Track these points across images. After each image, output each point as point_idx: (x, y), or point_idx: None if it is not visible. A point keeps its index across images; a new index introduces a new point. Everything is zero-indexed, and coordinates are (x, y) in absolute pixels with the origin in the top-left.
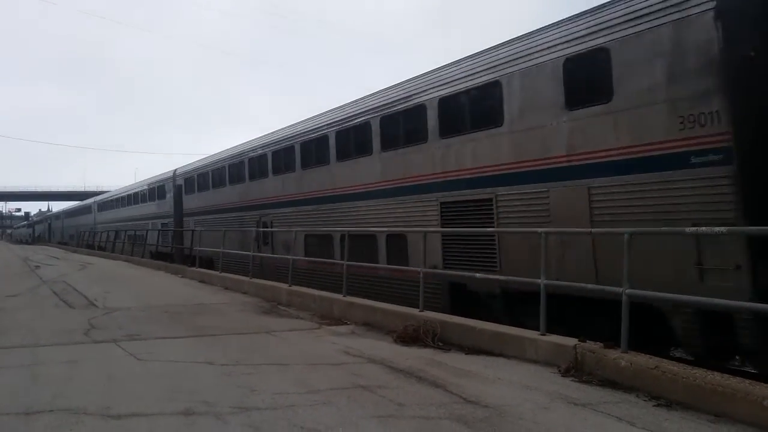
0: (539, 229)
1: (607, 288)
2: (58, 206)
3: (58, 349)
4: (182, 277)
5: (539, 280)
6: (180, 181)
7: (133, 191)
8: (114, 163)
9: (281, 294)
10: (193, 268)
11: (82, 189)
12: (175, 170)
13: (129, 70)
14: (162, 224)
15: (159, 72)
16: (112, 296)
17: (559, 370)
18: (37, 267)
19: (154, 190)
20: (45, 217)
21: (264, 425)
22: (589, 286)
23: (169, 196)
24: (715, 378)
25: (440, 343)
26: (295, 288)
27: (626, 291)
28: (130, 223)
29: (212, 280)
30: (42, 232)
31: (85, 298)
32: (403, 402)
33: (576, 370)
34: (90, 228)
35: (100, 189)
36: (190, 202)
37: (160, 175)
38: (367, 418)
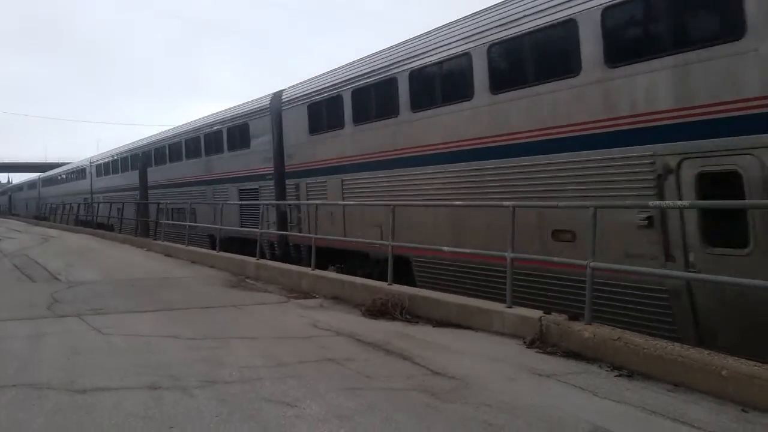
0: (507, 203)
1: (573, 261)
2: (18, 178)
3: (20, 323)
4: (147, 250)
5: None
6: (291, 111)
7: (174, 139)
8: (76, 134)
9: (249, 268)
10: (158, 242)
11: (44, 161)
12: (280, 92)
13: (91, 38)
14: (242, 191)
15: (122, 41)
16: (76, 270)
17: (525, 342)
18: None
19: (221, 134)
20: (7, 189)
21: (231, 398)
22: (555, 259)
23: (262, 140)
24: (675, 349)
25: (408, 317)
26: (262, 261)
27: (590, 264)
28: (160, 191)
29: (178, 253)
30: (2, 205)
31: (47, 272)
32: (371, 374)
33: (541, 341)
34: (83, 199)
35: (62, 161)
36: (319, 148)
37: (237, 107)
38: (335, 391)
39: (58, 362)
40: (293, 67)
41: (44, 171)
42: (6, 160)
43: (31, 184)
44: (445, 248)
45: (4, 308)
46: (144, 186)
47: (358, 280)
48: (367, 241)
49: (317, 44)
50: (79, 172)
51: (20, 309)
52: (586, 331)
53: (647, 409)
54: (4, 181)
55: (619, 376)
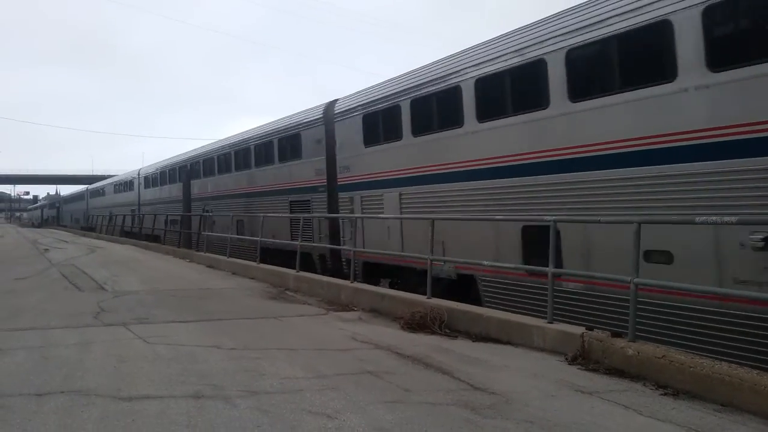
0: (549, 216)
1: (616, 276)
2: (66, 190)
3: (68, 331)
4: (190, 261)
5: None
6: (345, 122)
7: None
8: (121, 147)
9: (288, 280)
10: (201, 253)
11: (90, 173)
12: (333, 103)
13: (137, 55)
14: (292, 202)
15: (167, 57)
16: (121, 280)
17: (566, 359)
18: (46, 250)
19: (272, 146)
20: (58, 199)
21: (272, 409)
22: (597, 274)
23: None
24: (722, 368)
25: (447, 331)
26: (302, 274)
27: (634, 280)
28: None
29: (220, 265)
30: (50, 216)
31: (94, 282)
32: (410, 388)
33: (583, 358)
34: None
35: (108, 173)
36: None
37: (288, 117)
38: (375, 403)
39: (104, 370)
40: (334, 84)
41: (91, 183)
42: (55, 173)
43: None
44: (485, 263)
45: (54, 316)
46: (187, 198)
47: (397, 293)
48: (406, 254)
49: (357, 58)
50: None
51: (68, 317)
52: (629, 348)
53: (693, 429)
54: (53, 192)
55: (664, 394)
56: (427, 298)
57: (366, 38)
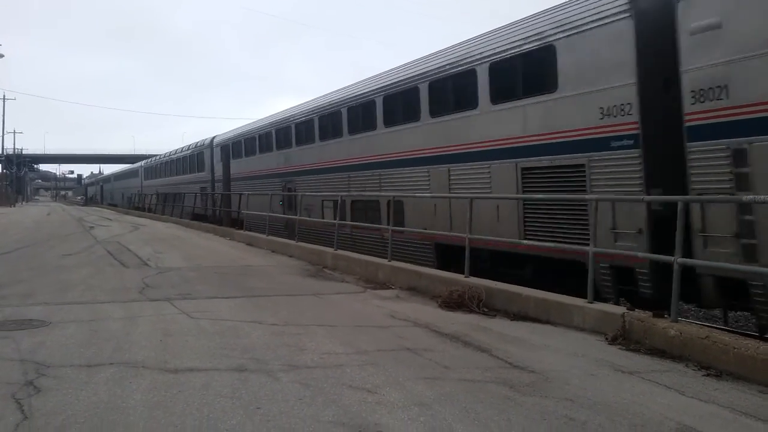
0: (588, 196)
1: (659, 256)
2: (108, 169)
3: (115, 306)
4: (230, 239)
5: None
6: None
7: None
8: (161, 127)
9: (327, 258)
10: (241, 231)
11: (132, 152)
12: None
13: (179, 37)
14: None
15: (206, 38)
16: (164, 257)
17: (606, 338)
18: (91, 228)
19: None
20: (99, 178)
21: (314, 383)
22: (640, 254)
23: None
24: (767, 348)
25: (485, 309)
26: (340, 252)
27: (677, 260)
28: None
29: (259, 243)
30: (93, 194)
31: (138, 258)
32: (449, 365)
33: (623, 338)
34: None
35: (149, 153)
36: None
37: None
38: (414, 380)
39: (151, 343)
40: (370, 61)
41: (132, 162)
42: (98, 152)
43: (132, 171)
44: (524, 242)
45: (101, 291)
46: (227, 178)
47: (435, 271)
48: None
49: (395, 35)
50: (189, 159)
51: (115, 292)
52: (671, 328)
53: (737, 410)
54: (96, 171)
55: (707, 375)
56: (465, 277)
57: (401, 14)
